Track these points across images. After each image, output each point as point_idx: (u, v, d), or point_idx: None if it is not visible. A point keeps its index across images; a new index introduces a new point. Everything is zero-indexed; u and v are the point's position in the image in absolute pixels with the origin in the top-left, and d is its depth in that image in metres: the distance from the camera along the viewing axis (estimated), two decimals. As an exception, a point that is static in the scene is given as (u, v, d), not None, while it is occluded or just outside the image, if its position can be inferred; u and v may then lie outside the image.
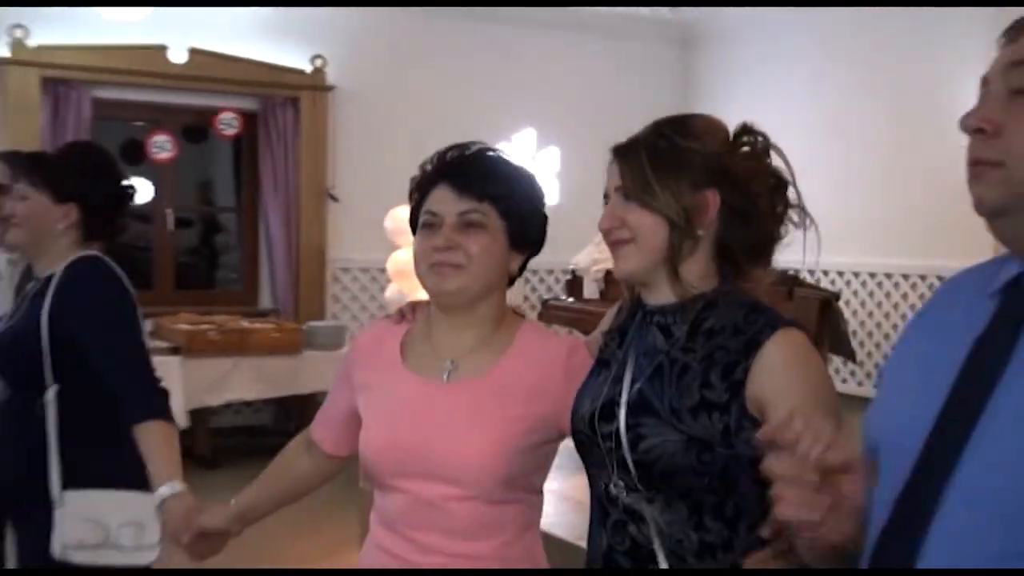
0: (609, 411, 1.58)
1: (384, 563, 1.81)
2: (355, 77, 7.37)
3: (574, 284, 6.21)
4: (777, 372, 1.51)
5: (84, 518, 2.39)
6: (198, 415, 6.24)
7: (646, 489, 1.55)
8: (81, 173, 2.57)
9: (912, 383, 1.26)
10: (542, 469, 1.82)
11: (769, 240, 1.65)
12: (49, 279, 2.47)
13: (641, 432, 1.54)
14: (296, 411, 6.72)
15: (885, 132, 6.94)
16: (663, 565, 1.54)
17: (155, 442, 2.35)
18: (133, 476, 2.38)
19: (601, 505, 1.64)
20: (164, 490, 2.23)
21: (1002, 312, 1.17)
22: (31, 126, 6.49)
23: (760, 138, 1.65)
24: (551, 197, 6.39)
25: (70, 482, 2.40)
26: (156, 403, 2.43)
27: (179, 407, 5.78)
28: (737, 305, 1.59)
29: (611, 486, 1.60)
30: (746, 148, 1.64)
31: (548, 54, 7.96)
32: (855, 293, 7.20)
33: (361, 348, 1.97)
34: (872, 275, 7.17)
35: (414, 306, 1.94)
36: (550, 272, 7.70)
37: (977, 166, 1.15)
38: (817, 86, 7.56)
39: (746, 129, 1.65)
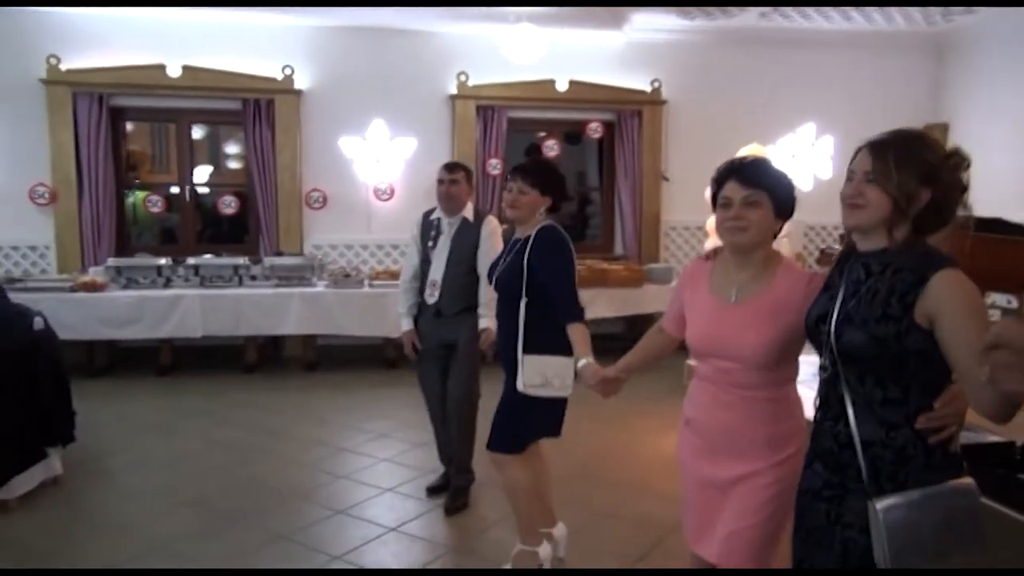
0: (825, 318, 1.72)
1: (702, 398, 2.07)
2: (681, 93, 7.42)
3: (846, 237, 6.14)
4: (942, 296, 1.57)
5: (533, 370, 2.80)
6: (575, 326, 6.78)
7: (844, 365, 1.69)
8: (552, 178, 2.95)
9: None
10: (795, 350, 1.97)
11: (947, 222, 1.69)
12: (528, 238, 2.89)
13: (841, 332, 1.67)
14: (639, 325, 6.66)
15: None
16: (849, 410, 1.67)
17: (578, 336, 2.73)
18: (558, 349, 2.77)
19: (820, 373, 1.78)
20: (582, 361, 2.61)
21: None
22: (469, 138, 7.16)
23: (963, 159, 1.67)
24: (825, 173, 6.45)
25: (527, 350, 2.82)
26: (580, 313, 2.80)
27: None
28: (919, 254, 1.64)
29: (824, 361, 1.75)
30: (953, 164, 1.67)
31: (823, 66, 7.52)
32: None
33: (686, 275, 2.19)
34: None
35: (716, 251, 2.14)
36: (823, 227, 7.52)
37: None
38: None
39: (957, 151, 1.68)
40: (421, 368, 3.90)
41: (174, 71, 6.70)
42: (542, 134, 7.55)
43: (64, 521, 3.71)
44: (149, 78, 6.68)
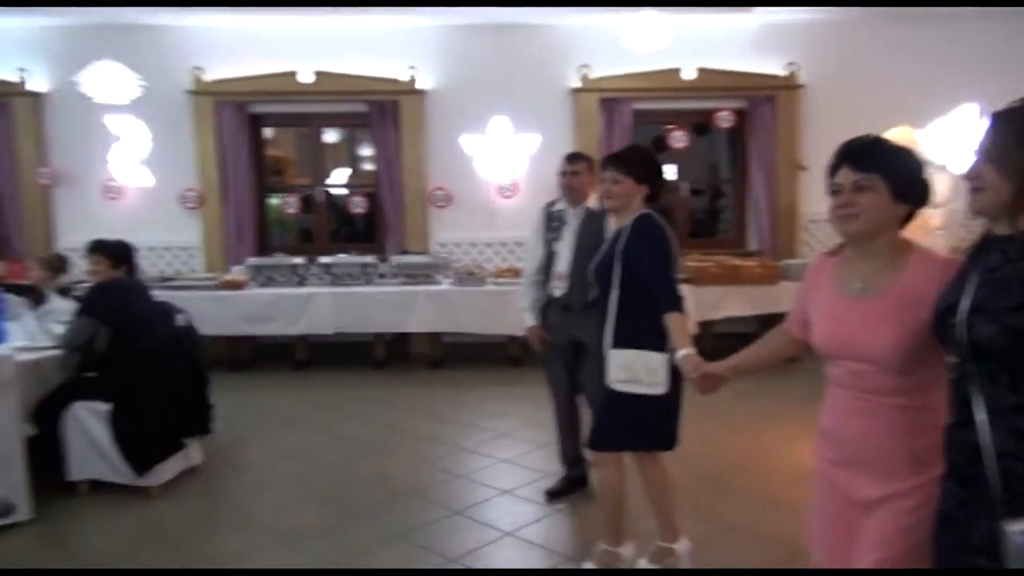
0: (953, 309, 1.53)
1: (835, 406, 1.88)
2: (820, 75, 6.98)
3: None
4: None
5: (621, 365, 2.73)
6: (704, 325, 6.27)
7: (973, 362, 1.49)
8: (647, 166, 2.88)
9: None
10: (934, 350, 1.68)
11: None
12: (624, 228, 2.82)
13: (972, 323, 1.48)
14: (773, 325, 6.19)
15: None
16: (979, 415, 1.47)
17: (676, 325, 2.63)
18: (649, 343, 2.69)
19: (949, 373, 1.61)
20: (681, 352, 2.50)
21: None
22: (592, 132, 6.99)
23: None
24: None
25: (619, 343, 2.75)
26: (677, 302, 2.69)
27: (690, 320, 6.38)
28: None
29: (952, 359, 1.57)
30: None
31: (987, 39, 6.82)
32: None
33: (809, 272, 2.02)
34: None
35: (842, 245, 1.94)
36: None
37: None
38: None
39: None
40: (549, 363, 3.84)
41: (306, 77, 6.93)
42: (668, 126, 7.27)
43: (200, 509, 3.88)
44: (283, 85, 6.95)
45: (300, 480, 4.19)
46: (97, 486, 3.95)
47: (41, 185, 7.01)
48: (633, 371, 2.70)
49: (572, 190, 3.70)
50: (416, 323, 6.47)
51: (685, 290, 6.22)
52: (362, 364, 6.77)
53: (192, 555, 3.34)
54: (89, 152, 6.97)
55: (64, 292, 4.83)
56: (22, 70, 6.89)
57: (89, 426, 3.90)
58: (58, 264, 5.35)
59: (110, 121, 6.85)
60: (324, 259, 6.75)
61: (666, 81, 7.00)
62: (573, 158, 3.77)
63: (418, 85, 7.02)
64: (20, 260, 6.44)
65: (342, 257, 6.81)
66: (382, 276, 6.68)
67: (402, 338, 7.05)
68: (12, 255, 6.77)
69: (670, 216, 7.46)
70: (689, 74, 6.98)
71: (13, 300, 4.49)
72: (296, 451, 4.65)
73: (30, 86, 6.92)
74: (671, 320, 2.65)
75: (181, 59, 6.93)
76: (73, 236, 6.56)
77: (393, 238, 7.22)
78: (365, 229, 8.13)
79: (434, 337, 6.80)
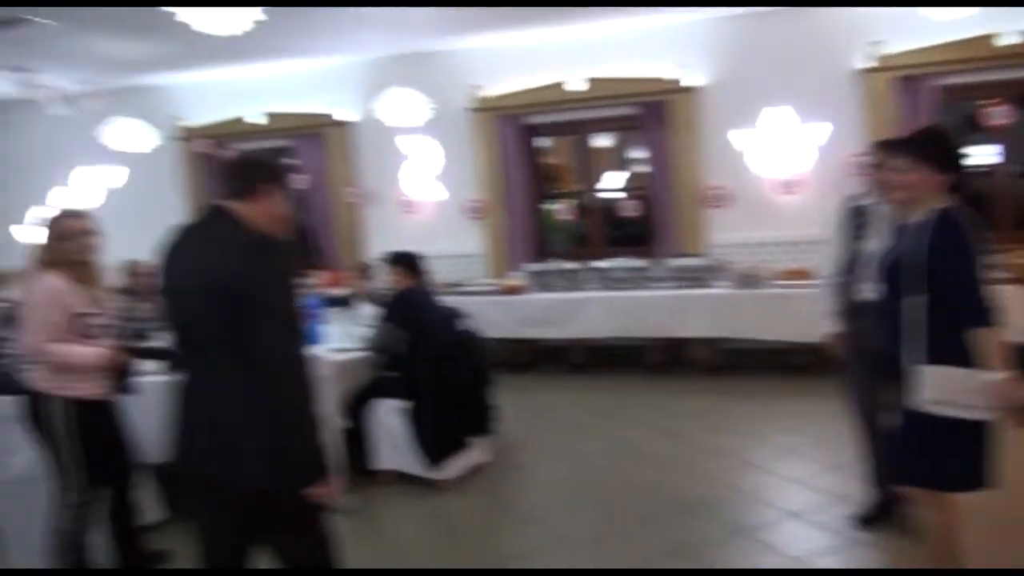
0: None
1: None
2: None
3: None
4: None
5: (935, 384, 2.39)
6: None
7: None
8: (946, 151, 2.54)
9: None
10: None
11: None
12: (924, 223, 2.48)
13: None
14: None
15: None
16: None
17: (985, 343, 2.32)
18: (966, 359, 2.35)
19: None
20: (992, 376, 2.25)
21: None
22: (885, 116, 6.22)
23: None
24: None
25: (930, 359, 2.41)
26: (985, 316, 2.35)
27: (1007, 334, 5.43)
28: None
29: None
30: None
31: None
32: None
33: None
34: None
35: None
36: None
37: None
38: None
39: None
40: (853, 372, 3.46)
41: (576, 85, 7.04)
42: (982, 101, 6.25)
43: (484, 505, 4.09)
44: (554, 95, 7.13)
45: (576, 484, 4.25)
46: (396, 475, 4.32)
47: (351, 204, 7.91)
48: (950, 391, 2.37)
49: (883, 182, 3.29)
50: (691, 328, 6.28)
51: (1011, 293, 5.37)
52: (637, 368, 6.73)
53: (479, 550, 3.53)
54: (389, 171, 7.73)
55: (373, 299, 5.40)
56: (332, 103, 7.83)
57: (389, 421, 4.28)
58: (363, 270, 6.18)
59: (403, 142, 7.53)
60: (598, 263, 6.80)
61: (975, 50, 6.05)
62: (884, 146, 3.33)
63: (689, 82, 6.80)
64: (337, 270, 7.33)
65: (616, 261, 6.81)
66: (658, 279, 6.56)
67: (678, 343, 6.87)
68: (330, 266, 7.72)
69: (986, 205, 6.61)
70: (1009, 38, 5.97)
71: (330, 309, 5.10)
72: (573, 454, 4.73)
73: (338, 116, 7.85)
74: (978, 337, 2.33)
75: (460, 80, 7.40)
76: (378, 248, 7.27)
77: (666, 241, 7.07)
78: (639, 232, 8.07)
79: (712, 342, 6.55)
